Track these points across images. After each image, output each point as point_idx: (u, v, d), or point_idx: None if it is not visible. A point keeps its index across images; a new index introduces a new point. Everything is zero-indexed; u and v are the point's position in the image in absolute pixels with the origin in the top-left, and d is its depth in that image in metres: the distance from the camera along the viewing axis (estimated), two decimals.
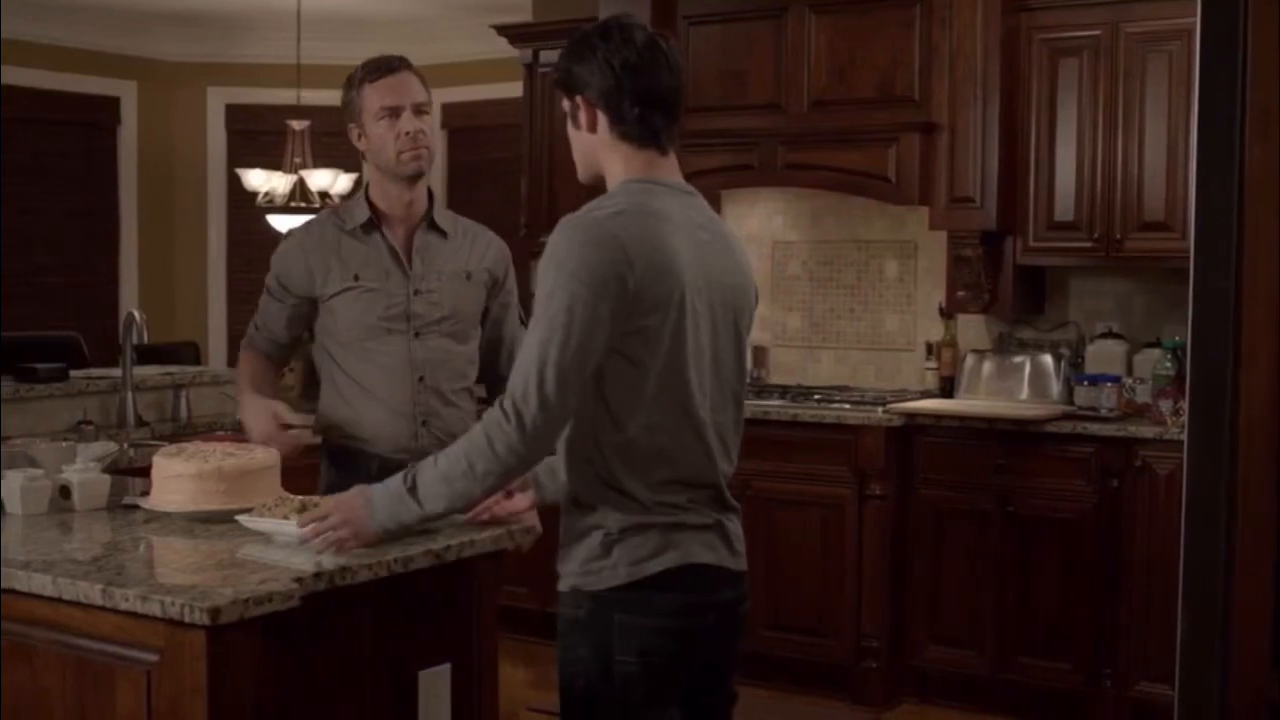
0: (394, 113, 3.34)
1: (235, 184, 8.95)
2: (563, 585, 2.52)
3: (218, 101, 9.94)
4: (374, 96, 3.36)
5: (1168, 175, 5.20)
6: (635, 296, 2.36)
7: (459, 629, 2.84)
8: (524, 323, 3.40)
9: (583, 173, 2.61)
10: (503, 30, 6.81)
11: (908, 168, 5.48)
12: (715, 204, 6.28)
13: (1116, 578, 4.98)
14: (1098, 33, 5.28)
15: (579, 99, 2.48)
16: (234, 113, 9.95)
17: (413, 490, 2.53)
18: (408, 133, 3.34)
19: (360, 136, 3.40)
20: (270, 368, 3.59)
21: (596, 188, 2.56)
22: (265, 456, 3.06)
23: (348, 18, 8.92)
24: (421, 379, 3.40)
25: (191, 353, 8.28)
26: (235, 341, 9.89)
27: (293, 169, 8.41)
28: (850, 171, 5.61)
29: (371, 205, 3.44)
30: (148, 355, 6.16)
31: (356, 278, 3.39)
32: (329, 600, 2.51)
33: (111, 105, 9.52)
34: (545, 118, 6.44)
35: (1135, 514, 4.94)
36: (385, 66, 3.40)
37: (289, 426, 3.38)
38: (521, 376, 2.38)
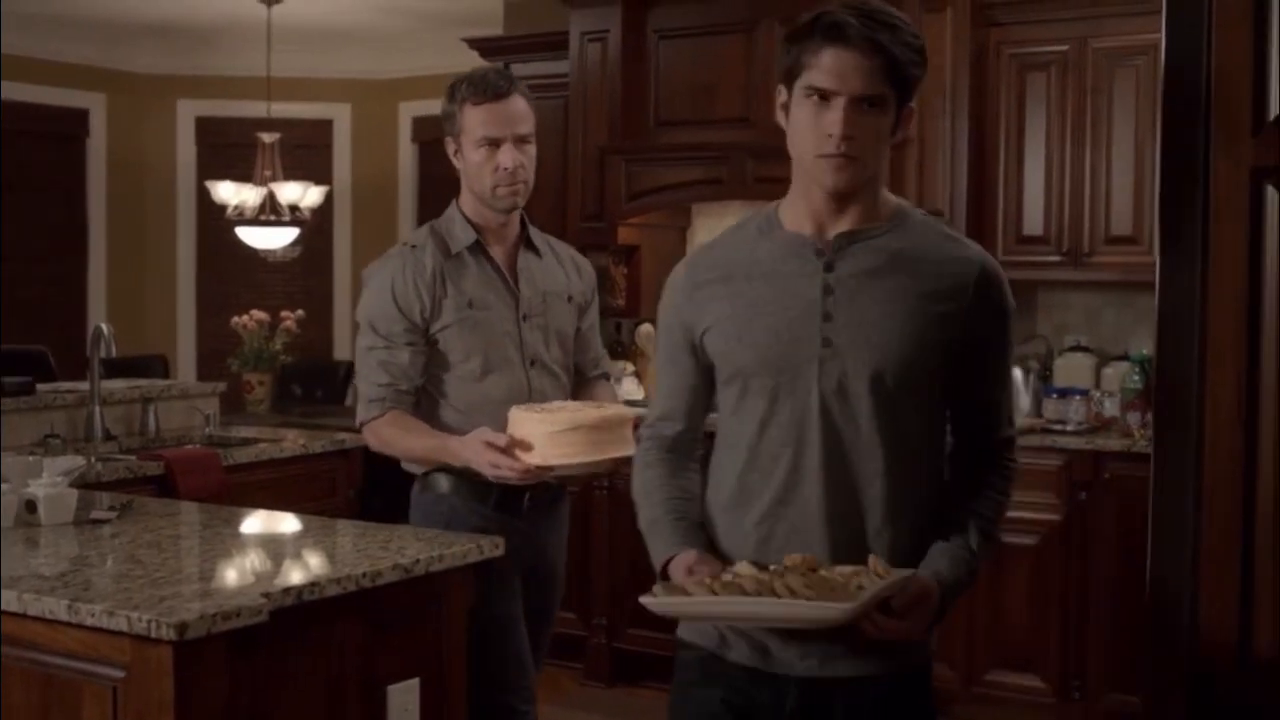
0: (494, 144, 3.17)
1: (205, 197, 8.92)
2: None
3: (188, 114, 9.91)
4: (476, 121, 3.18)
5: (1135, 189, 5.24)
6: None
7: (428, 644, 2.84)
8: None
9: (861, 179, 2.18)
10: (474, 43, 6.80)
11: None
12: (686, 217, 6.28)
13: (1085, 590, 4.99)
14: (1065, 48, 5.32)
15: (911, 106, 2.19)
16: (204, 125, 9.92)
17: (971, 563, 2.21)
18: (506, 168, 3.18)
19: (456, 153, 3.27)
20: (418, 420, 3.23)
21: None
22: (619, 409, 3.16)
23: (318, 31, 8.90)
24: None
25: (161, 366, 8.27)
26: (205, 355, 9.92)
27: (263, 182, 8.39)
28: None
29: (471, 224, 3.28)
30: (117, 368, 6.14)
31: (471, 304, 3.21)
32: (297, 615, 2.50)
33: (81, 118, 9.48)
34: None
35: (1103, 526, 4.96)
36: (493, 89, 3.17)
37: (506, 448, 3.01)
38: (1008, 417, 2.29)
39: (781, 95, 2.18)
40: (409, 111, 9.77)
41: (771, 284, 2.19)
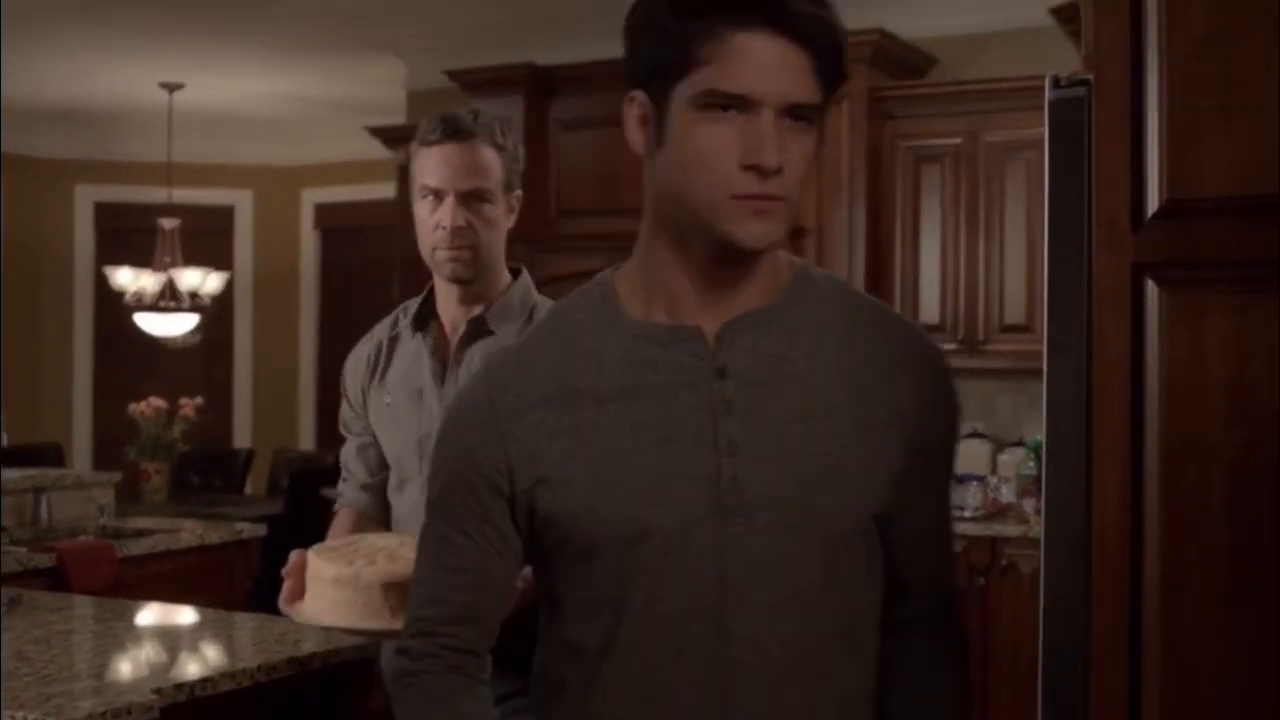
0: (436, 195, 2.46)
1: (103, 282, 8.82)
2: None
3: (86, 199, 9.82)
4: (420, 166, 2.50)
5: (1028, 278, 5.35)
6: None
7: None
8: None
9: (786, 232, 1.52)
10: (376, 132, 6.83)
11: None
12: None
13: (985, 675, 5.03)
14: (958, 141, 5.45)
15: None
16: (103, 210, 9.83)
17: None
18: (444, 226, 2.44)
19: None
20: (366, 523, 2.55)
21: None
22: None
23: (220, 117, 8.88)
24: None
25: (55, 454, 8.11)
26: (101, 441, 9.76)
27: (163, 268, 8.32)
28: None
29: (430, 299, 2.58)
30: (9, 457, 6.02)
31: (389, 399, 2.54)
32: (190, 711, 2.45)
33: None
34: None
35: (1001, 612, 5.01)
36: (448, 129, 2.47)
37: None
38: (947, 566, 1.72)
39: (639, 102, 1.50)
40: (311, 198, 9.76)
41: (639, 404, 1.48)
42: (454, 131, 2.47)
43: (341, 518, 2.59)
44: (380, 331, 2.61)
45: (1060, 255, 1.96)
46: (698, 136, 1.42)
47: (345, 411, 2.63)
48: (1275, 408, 1.71)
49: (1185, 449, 1.77)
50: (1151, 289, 1.80)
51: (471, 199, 2.46)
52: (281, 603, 2.15)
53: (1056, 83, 1.92)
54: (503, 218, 2.52)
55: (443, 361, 2.49)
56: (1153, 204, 1.80)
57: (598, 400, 1.49)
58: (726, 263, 1.47)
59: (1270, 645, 1.72)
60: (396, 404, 2.51)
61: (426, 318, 2.54)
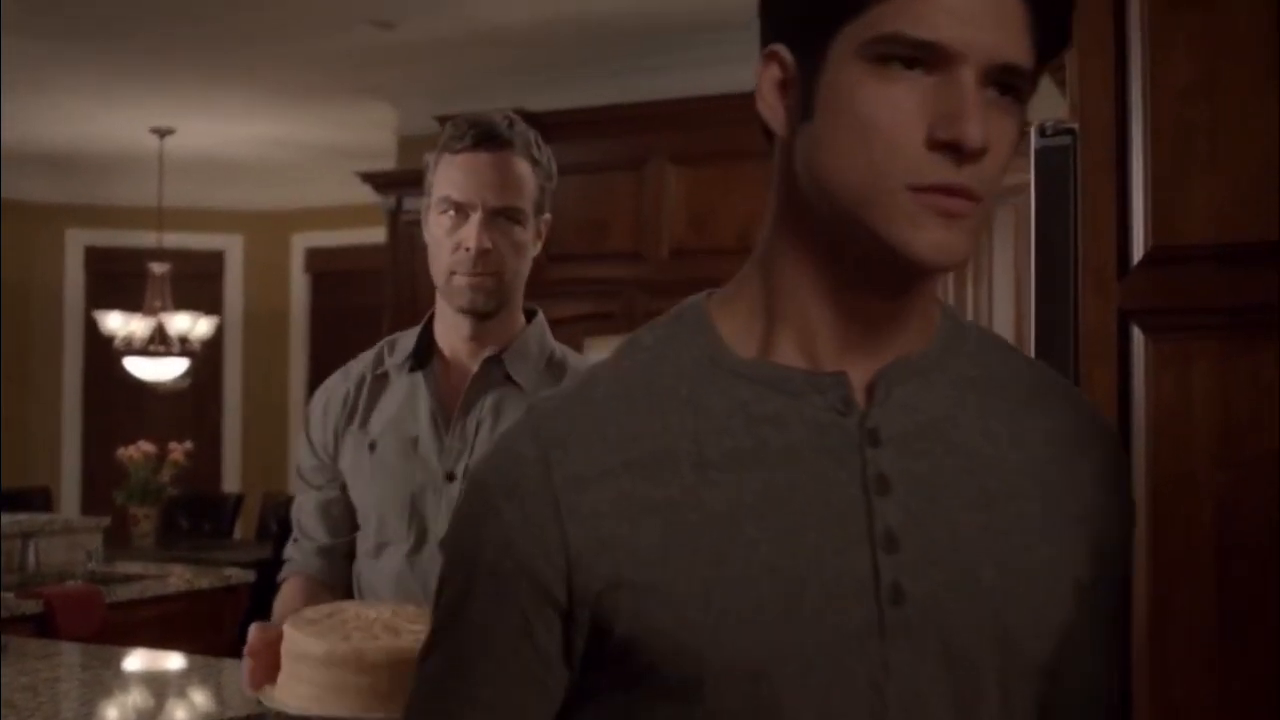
0: (460, 210, 2.10)
1: (93, 326, 8.82)
2: None
3: (76, 243, 9.83)
4: (442, 175, 2.13)
5: (1016, 324, 5.36)
6: None
7: None
8: None
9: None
10: (367, 177, 6.86)
11: None
12: (579, 350, 6.32)
13: None
14: None
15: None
16: (93, 255, 9.84)
17: None
18: (469, 248, 2.08)
19: (424, 223, 2.21)
20: (322, 594, 2.15)
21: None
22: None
23: (210, 162, 8.91)
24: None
25: (43, 499, 8.09)
26: (90, 485, 9.73)
27: (152, 312, 8.32)
28: None
29: (429, 333, 2.21)
30: None
31: (373, 445, 2.15)
32: None
33: None
34: (409, 264, 6.47)
35: None
36: (480, 135, 2.11)
37: None
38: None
39: (780, 59, 1.04)
40: (301, 243, 9.78)
41: (760, 474, 1.04)
42: (488, 138, 2.10)
43: (292, 588, 2.20)
44: (360, 367, 2.23)
45: (1047, 301, 1.97)
46: (867, 101, 0.98)
47: (305, 459, 2.25)
48: (1261, 451, 1.72)
49: (1173, 492, 1.77)
50: (1138, 335, 1.81)
51: (500, 218, 2.09)
52: (247, 686, 1.84)
53: (1043, 131, 1.93)
54: (531, 244, 2.15)
55: (446, 407, 2.13)
56: (1138, 250, 1.81)
57: (700, 468, 1.03)
58: (886, 288, 1.05)
59: (1260, 687, 1.73)
60: (382, 453, 2.14)
61: (427, 354, 2.17)
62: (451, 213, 2.09)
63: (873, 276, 1.04)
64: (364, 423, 2.16)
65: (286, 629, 1.76)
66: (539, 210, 2.14)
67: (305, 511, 2.23)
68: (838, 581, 1.01)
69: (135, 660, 3.28)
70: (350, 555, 2.20)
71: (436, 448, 2.10)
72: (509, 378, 2.13)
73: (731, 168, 5.75)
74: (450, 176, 2.10)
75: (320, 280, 9.65)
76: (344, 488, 2.19)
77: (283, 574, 2.25)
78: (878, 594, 1.01)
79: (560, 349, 2.23)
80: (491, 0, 5.71)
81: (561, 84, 6.35)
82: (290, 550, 2.26)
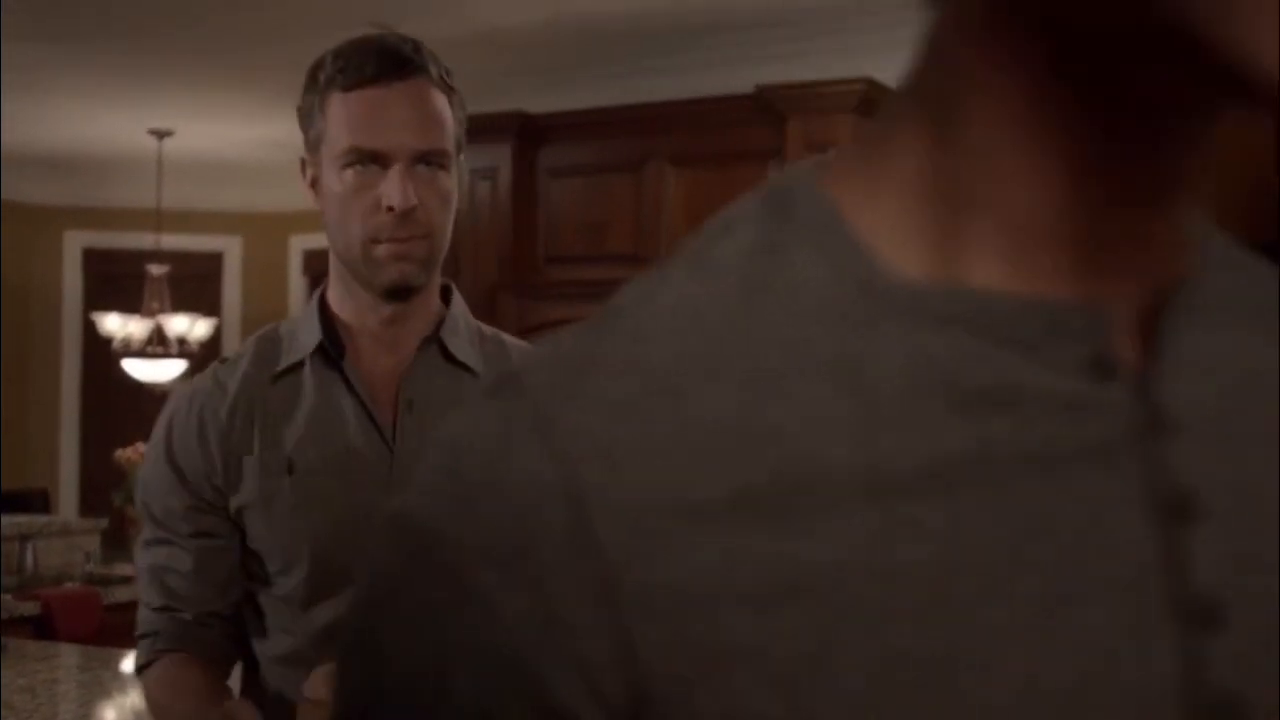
0: (374, 161, 1.67)
1: (91, 328, 8.83)
2: None
3: (74, 245, 9.84)
4: (336, 118, 1.69)
5: None
6: None
7: None
8: None
9: None
10: None
11: None
12: None
13: None
14: None
15: None
16: (91, 256, 9.84)
17: None
18: (392, 206, 1.66)
19: (315, 183, 1.75)
20: (203, 677, 1.74)
21: None
22: None
23: (208, 163, 8.91)
24: None
25: (41, 500, 8.08)
26: (88, 487, 9.73)
27: (151, 314, 8.33)
28: None
29: (328, 317, 1.80)
30: None
31: (291, 467, 1.70)
32: None
33: None
34: None
35: None
36: (378, 64, 1.68)
37: None
38: None
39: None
40: (300, 244, 9.79)
41: (993, 511, 0.51)
42: (396, 66, 1.67)
43: (181, 673, 1.74)
44: (235, 373, 1.79)
45: None
46: None
47: (168, 500, 1.75)
48: None
49: None
50: None
51: (421, 165, 1.68)
52: None
53: None
54: (455, 195, 1.74)
55: (379, 406, 1.72)
56: None
57: (877, 497, 0.51)
58: (1175, 149, 0.52)
59: None
60: (306, 474, 1.69)
61: (338, 343, 1.75)
62: (358, 166, 1.66)
63: (1168, 126, 0.51)
64: (272, 441, 1.71)
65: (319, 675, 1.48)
66: (459, 151, 1.75)
67: (176, 572, 1.74)
68: (1129, 693, 0.52)
69: (134, 661, 3.29)
70: (237, 621, 1.77)
71: (385, 456, 1.70)
72: (452, 359, 1.75)
73: (731, 169, 5.76)
74: (351, 119, 1.66)
75: (319, 282, 9.61)
76: (233, 532, 1.74)
77: (150, 653, 1.77)
78: (1194, 709, 0.53)
79: (490, 331, 1.85)
80: (491, 2, 5.71)
81: (561, 86, 6.35)
82: (153, 621, 1.77)
